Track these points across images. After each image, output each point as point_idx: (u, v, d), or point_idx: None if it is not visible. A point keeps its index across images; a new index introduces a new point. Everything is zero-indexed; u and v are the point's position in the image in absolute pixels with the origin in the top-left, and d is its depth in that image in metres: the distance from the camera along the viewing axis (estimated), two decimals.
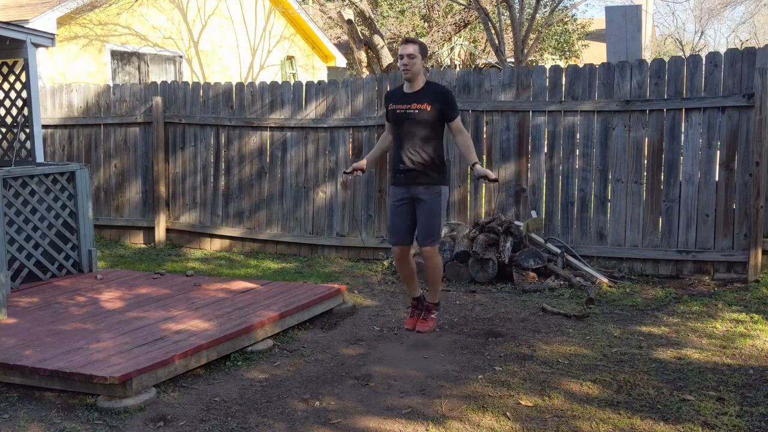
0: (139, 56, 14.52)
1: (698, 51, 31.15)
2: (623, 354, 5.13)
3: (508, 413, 4.17)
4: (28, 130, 7.27)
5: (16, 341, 4.94)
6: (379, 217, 8.31)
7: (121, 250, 9.16)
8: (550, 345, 5.36)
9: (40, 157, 7.24)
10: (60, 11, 12.47)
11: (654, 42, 33.91)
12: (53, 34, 7.64)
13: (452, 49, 23.38)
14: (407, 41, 5.32)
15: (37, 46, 7.13)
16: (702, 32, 34.78)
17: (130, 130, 9.56)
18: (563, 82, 7.66)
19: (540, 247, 7.38)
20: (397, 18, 23.24)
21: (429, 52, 17.77)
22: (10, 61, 7.42)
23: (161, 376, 4.53)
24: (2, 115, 7.60)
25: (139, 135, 9.50)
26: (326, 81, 8.74)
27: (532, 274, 7.14)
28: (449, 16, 20.44)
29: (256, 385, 4.65)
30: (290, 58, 17.94)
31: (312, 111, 8.62)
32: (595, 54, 23.84)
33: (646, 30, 25.07)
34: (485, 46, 23.12)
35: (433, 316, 5.59)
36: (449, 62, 23.67)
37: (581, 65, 7.65)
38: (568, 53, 24.82)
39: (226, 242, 9.12)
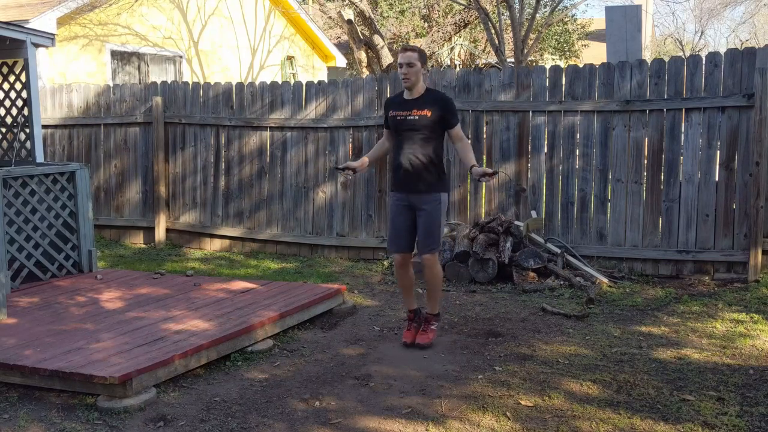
0: (139, 56, 14.52)
1: (698, 51, 31.15)
2: (623, 354, 5.13)
3: (508, 413, 4.18)
4: (28, 130, 7.27)
5: (16, 341, 4.94)
6: (379, 217, 8.31)
7: (121, 250, 9.16)
8: (550, 345, 5.36)
9: (40, 157, 7.24)
10: (60, 11, 12.47)
11: (654, 42, 33.91)
12: (53, 34, 7.64)
13: (452, 49, 23.38)
14: (406, 49, 5.27)
15: (37, 46, 7.13)
16: (702, 32, 34.80)
17: (130, 130, 9.56)
18: (563, 82, 7.66)
19: (540, 247, 7.38)
20: (397, 18, 23.24)
21: (429, 52, 17.82)
22: (10, 61, 7.42)
23: (161, 376, 4.53)
24: (2, 115, 7.60)
25: (139, 135, 9.50)
26: (326, 81, 8.74)
27: (532, 274, 7.14)
28: (449, 16, 20.44)
29: (256, 385, 4.65)
30: (290, 58, 17.94)
31: (312, 111, 8.63)
32: (595, 54, 23.85)
33: (646, 30, 25.07)
34: (485, 46, 23.13)
35: (432, 327, 5.44)
36: (449, 62, 23.67)
37: (581, 65, 7.65)
38: (568, 53, 24.82)
39: (226, 242, 9.12)
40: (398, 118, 5.26)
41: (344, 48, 21.83)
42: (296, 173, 8.72)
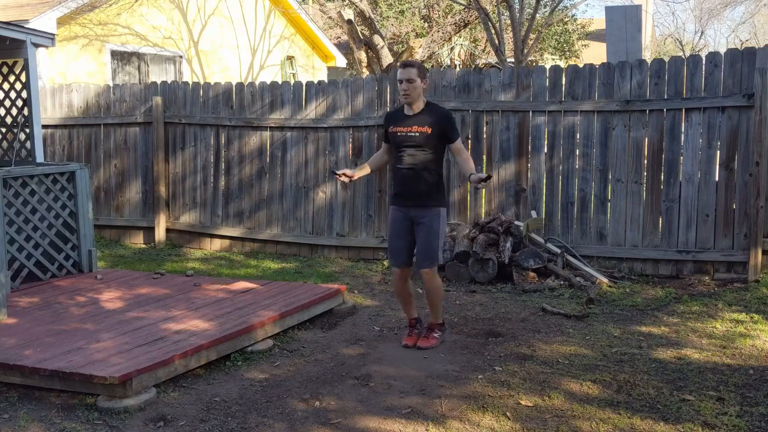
0: (139, 56, 14.52)
1: (698, 51, 31.15)
2: (623, 354, 5.13)
3: (508, 413, 4.18)
4: (28, 130, 7.26)
5: (16, 341, 4.94)
6: (379, 217, 8.31)
7: (121, 250, 9.16)
8: (550, 345, 5.36)
9: (40, 157, 7.24)
10: (60, 11, 12.47)
11: (654, 42, 33.91)
12: (53, 34, 7.64)
13: (452, 49, 23.38)
14: (406, 65, 5.24)
15: (37, 46, 7.13)
16: (702, 32, 34.79)
17: (130, 130, 9.56)
18: (563, 82, 7.66)
19: (540, 247, 7.38)
20: (397, 18, 23.24)
21: (429, 52, 17.83)
22: (10, 61, 7.42)
23: (161, 376, 4.53)
24: (2, 115, 7.60)
25: (139, 135, 9.50)
26: (326, 81, 8.74)
27: (532, 274, 7.14)
28: (449, 16, 20.43)
29: (256, 385, 4.65)
30: (290, 58, 17.94)
31: (312, 111, 8.63)
32: (595, 54, 23.85)
33: (646, 30, 25.08)
34: (485, 46, 23.13)
35: (435, 335, 5.41)
36: (449, 62, 23.68)
37: (581, 65, 7.65)
38: (568, 53, 24.82)
39: (226, 242, 9.12)
40: (399, 134, 5.26)
41: (344, 48, 21.83)
42: (296, 173, 8.72)
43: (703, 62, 7.18)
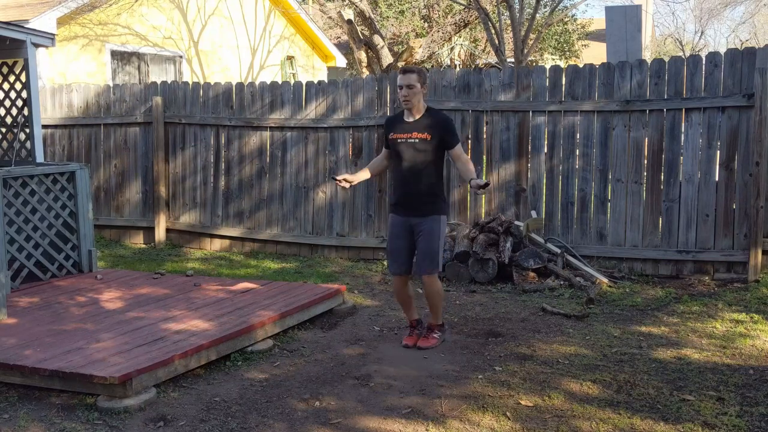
0: (139, 56, 14.52)
1: (698, 51, 31.14)
2: (623, 354, 5.13)
3: (508, 413, 4.18)
4: (28, 130, 7.26)
5: (16, 341, 4.94)
6: (379, 217, 8.31)
7: (121, 250, 9.16)
8: (550, 345, 5.36)
9: (40, 157, 7.24)
10: (60, 11, 12.46)
11: (654, 42, 33.91)
12: (53, 34, 7.64)
13: (452, 49, 23.37)
14: (406, 71, 5.24)
15: (37, 46, 7.13)
16: (702, 32, 34.79)
17: (130, 130, 9.56)
18: (563, 82, 7.66)
19: (540, 247, 7.38)
20: (397, 18, 23.24)
21: (429, 52, 17.81)
22: (10, 61, 7.42)
23: (161, 376, 4.53)
24: (2, 115, 7.60)
25: (139, 135, 9.50)
26: (326, 81, 8.74)
27: (532, 274, 7.14)
28: (449, 16, 20.43)
29: (256, 385, 4.65)
30: (290, 58, 17.94)
31: (312, 111, 8.63)
32: (595, 54, 23.84)
33: (646, 30, 25.08)
34: (485, 46, 23.12)
35: (435, 335, 5.41)
36: (449, 62, 23.67)
37: (581, 65, 7.65)
38: (568, 53, 24.81)
39: (226, 242, 9.12)
40: (399, 140, 5.26)
41: (344, 48, 21.82)
42: (296, 173, 8.72)
43: (703, 62, 7.18)
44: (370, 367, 4.96)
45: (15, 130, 7.44)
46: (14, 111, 7.53)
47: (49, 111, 9.87)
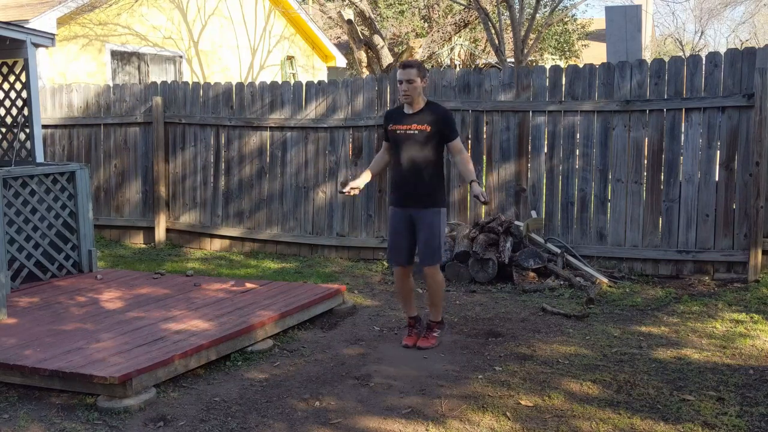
0: (139, 56, 14.52)
1: (698, 51, 31.14)
2: (623, 354, 5.13)
3: (508, 413, 4.18)
4: (28, 130, 7.26)
5: (16, 341, 4.94)
6: (379, 217, 8.31)
7: (121, 250, 9.16)
8: (550, 345, 5.36)
9: (40, 157, 7.24)
10: (60, 11, 12.46)
11: (654, 42, 33.91)
12: (53, 34, 7.64)
13: (452, 49, 23.38)
14: (405, 66, 5.24)
15: (37, 46, 7.13)
16: (702, 32, 34.79)
17: (130, 130, 9.56)
18: (563, 82, 7.66)
19: (540, 247, 7.38)
20: (396, 18, 23.24)
21: (429, 52, 17.82)
22: (10, 61, 7.42)
23: (161, 376, 4.53)
24: (2, 115, 7.60)
25: (139, 135, 9.50)
26: (326, 81, 8.74)
27: (532, 274, 7.14)
28: (449, 16, 20.43)
29: (256, 385, 4.65)
30: (290, 58, 17.94)
31: (312, 111, 8.63)
32: (595, 54, 23.84)
33: (646, 30, 25.07)
34: (485, 46, 23.12)
35: (434, 334, 5.42)
36: (449, 62, 23.67)
37: (581, 65, 7.65)
38: (568, 53, 24.81)
39: (226, 242, 9.12)
40: (398, 132, 5.27)
41: (344, 48, 21.83)
42: (296, 173, 8.72)
43: (703, 62, 7.18)
44: (370, 367, 4.96)
45: (15, 130, 7.44)
46: (14, 111, 7.53)
47: (49, 111, 9.87)
